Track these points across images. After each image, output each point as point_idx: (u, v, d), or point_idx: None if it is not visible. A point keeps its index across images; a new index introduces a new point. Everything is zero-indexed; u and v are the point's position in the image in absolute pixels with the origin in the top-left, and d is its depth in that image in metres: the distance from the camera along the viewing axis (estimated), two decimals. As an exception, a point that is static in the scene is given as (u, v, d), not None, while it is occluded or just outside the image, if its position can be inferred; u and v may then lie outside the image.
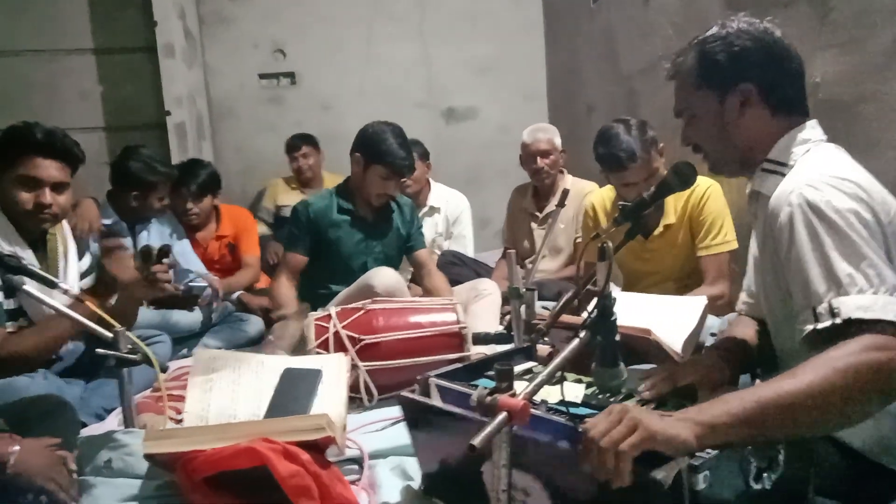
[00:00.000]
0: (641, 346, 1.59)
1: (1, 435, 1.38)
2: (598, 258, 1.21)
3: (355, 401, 1.96)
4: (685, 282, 2.30)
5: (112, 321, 1.59)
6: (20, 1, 4.34)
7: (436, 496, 1.40)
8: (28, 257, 1.85)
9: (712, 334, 1.85)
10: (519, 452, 1.00)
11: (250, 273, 3.31)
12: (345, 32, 4.67)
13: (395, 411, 1.90)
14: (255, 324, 2.99)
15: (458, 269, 3.06)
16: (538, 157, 3.12)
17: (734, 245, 2.29)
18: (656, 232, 2.34)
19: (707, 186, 2.26)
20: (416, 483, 1.46)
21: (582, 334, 1.17)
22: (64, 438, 1.53)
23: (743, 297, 1.48)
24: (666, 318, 1.69)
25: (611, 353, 1.23)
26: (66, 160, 1.94)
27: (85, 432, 1.75)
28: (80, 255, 2.16)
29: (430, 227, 3.47)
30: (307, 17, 4.64)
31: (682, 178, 1.41)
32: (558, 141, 3.19)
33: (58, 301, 1.64)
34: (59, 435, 1.53)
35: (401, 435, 1.71)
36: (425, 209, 3.49)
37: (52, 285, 1.62)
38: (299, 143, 4.16)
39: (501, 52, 4.77)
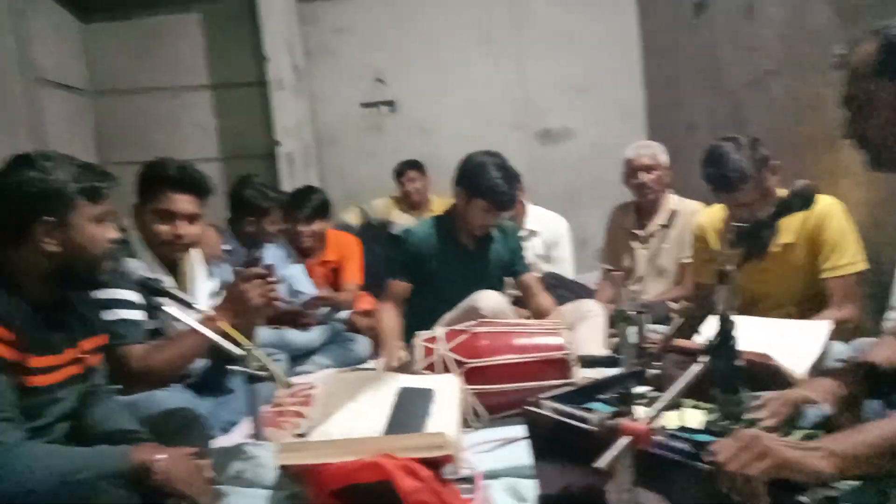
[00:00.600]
0: (762, 373, 1.55)
1: (147, 444, 1.50)
2: (718, 281, 1.20)
3: (463, 422, 2.00)
4: (807, 305, 2.18)
5: (242, 339, 1.70)
6: (145, 43, 4.75)
7: (552, 517, 1.40)
8: (166, 281, 2.02)
9: (838, 361, 1.77)
10: (648, 471, 1.01)
11: (347, 297, 3.43)
12: (441, 57, 4.79)
13: (504, 432, 1.93)
14: (363, 344, 3.10)
15: (559, 291, 3.05)
16: (641, 172, 3.07)
17: (862, 266, 2.16)
18: (771, 252, 2.25)
19: (827, 204, 2.15)
20: (531, 504, 1.48)
21: (702, 359, 1.16)
22: (199, 449, 1.64)
23: (892, 314, 1.41)
24: (787, 343, 1.64)
25: (732, 379, 1.22)
26: (197, 193, 2.11)
27: (212, 445, 1.87)
28: (209, 277, 2.32)
29: (529, 251, 3.48)
30: (406, 44, 4.80)
31: (804, 199, 1.38)
32: (664, 158, 3.12)
33: (192, 320, 1.78)
34: (194, 446, 1.65)
35: (512, 456, 1.74)
36: (524, 233, 3.51)
37: (189, 306, 1.76)
38: (406, 168, 4.31)
39: (597, 71, 4.75)
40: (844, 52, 1.29)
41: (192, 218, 2.11)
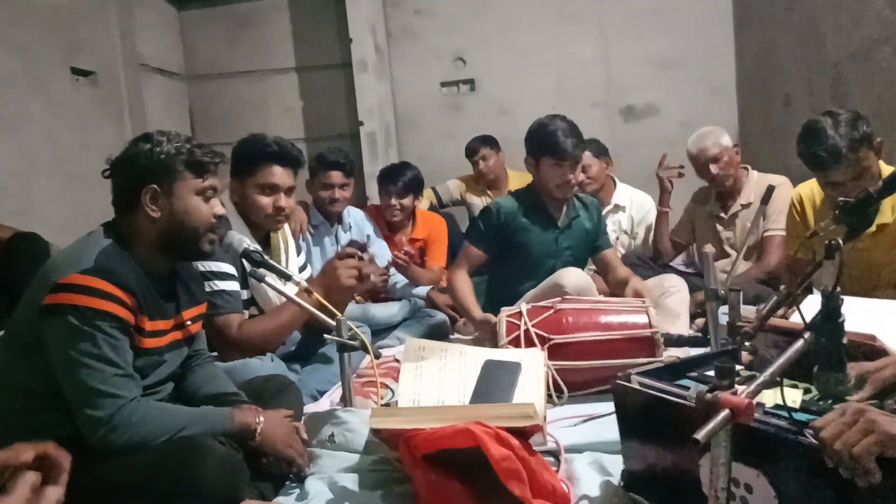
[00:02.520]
0: (864, 354, 1.47)
1: (248, 407, 1.59)
2: (826, 256, 1.15)
3: (546, 397, 2.00)
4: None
5: (334, 310, 1.77)
6: (235, 28, 4.93)
7: (638, 493, 1.40)
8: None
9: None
10: (747, 447, 0.98)
11: (431, 277, 3.46)
12: (523, 36, 4.74)
13: (586, 409, 1.93)
14: (442, 320, 3.15)
15: (642, 269, 3.00)
16: (711, 165, 3.00)
17: None
18: (868, 231, 2.13)
19: None
20: (616, 479, 1.47)
21: (807, 335, 1.12)
22: (293, 413, 1.73)
23: None
24: (891, 324, 1.55)
25: (837, 357, 1.17)
26: (293, 166, 2.19)
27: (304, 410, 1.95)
28: (298, 252, 2.41)
29: (614, 225, 3.43)
30: (487, 24, 4.77)
31: (916, 175, 1.29)
32: (726, 139, 3.02)
33: (289, 292, 1.86)
34: (289, 410, 1.73)
35: (595, 431, 1.74)
36: (609, 206, 3.46)
37: (288, 278, 1.84)
38: (478, 146, 4.23)
39: (685, 46, 4.57)
40: None
41: (289, 190, 2.19)
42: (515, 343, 2.12)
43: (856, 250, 2.13)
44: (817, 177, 2.21)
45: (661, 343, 2.08)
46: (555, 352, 2.08)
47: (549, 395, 2.01)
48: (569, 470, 1.57)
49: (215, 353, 2.00)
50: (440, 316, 3.20)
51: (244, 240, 1.89)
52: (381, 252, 3.21)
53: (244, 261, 1.91)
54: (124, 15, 4.16)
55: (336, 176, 3.09)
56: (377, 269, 2.47)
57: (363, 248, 2.18)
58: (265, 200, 2.15)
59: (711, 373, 1.30)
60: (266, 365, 2.06)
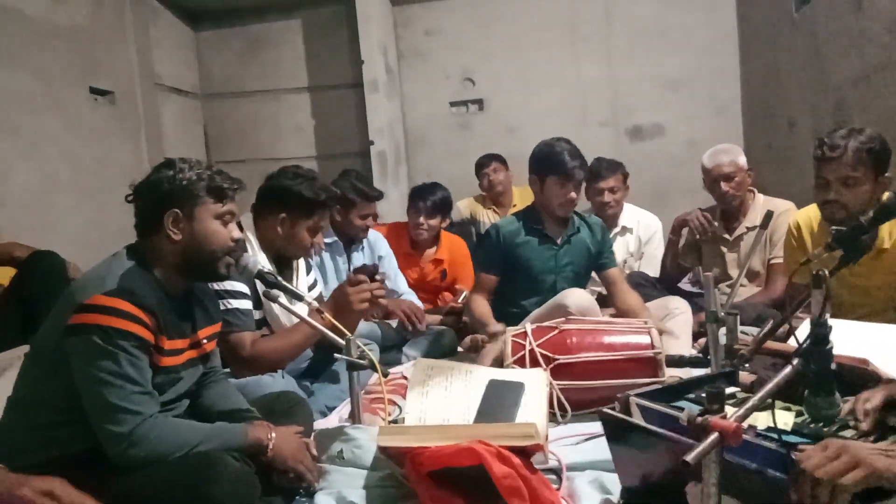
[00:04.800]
0: (857, 378, 1.52)
1: (260, 423, 1.64)
2: (814, 285, 1.20)
3: (549, 415, 2.05)
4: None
5: (344, 330, 1.83)
6: (249, 48, 5.05)
7: (637, 511, 1.44)
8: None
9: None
10: (727, 477, 1.03)
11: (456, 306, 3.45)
12: (530, 56, 4.83)
13: (589, 427, 1.97)
14: (449, 337, 3.19)
15: (647, 290, 3.04)
16: (722, 182, 3.01)
17: None
18: (866, 257, 2.17)
19: None
20: (615, 497, 1.51)
21: (795, 361, 1.17)
22: (304, 429, 1.78)
23: None
24: (885, 348, 1.60)
25: (826, 382, 1.22)
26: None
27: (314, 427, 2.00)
28: (308, 271, 2.48)
29: (622, 248, 3.48)
30: (495, 44, 4.87)
31: (906, 204, 1.34)
32: (742, 160, 3.04)
33: (301, 312, 1.92)
34: (300, 426, 1.78)
35: (597, 450, 1.77)
36: (617, 229, 3.51)
37: (300, 298, 1.90)
38: (489, 160, 4.34)
39: (691, 66, 4.66)
40: None
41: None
42: (521, 362, 2.17)
43: (853, 275, 2.17)
44: (816, 176, 2.21)
45: (663, 364, 2.12)
46: (559, 371, 2.13)
47: (553, 414, 2.06)
48: (570, 488, 1.61)
49: (228, 370, 2.06)
50: (448, 332, 3.25)
51: (259, 261, 1.95)
52: (394, 275, 3.26)
53: (258, 281, 1.97)
54: (141, 35, 4.28)
55: (374, 208, 3.17)
56: (386, 290, 2.54)
57: (374, 271, 2.22)
58: (309, 239, 2.28)
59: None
60: (277, 382, 2.11)
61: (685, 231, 3.14)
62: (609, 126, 4.84)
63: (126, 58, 4.13)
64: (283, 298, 1.88)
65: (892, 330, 1.78)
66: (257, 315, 2.22)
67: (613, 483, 1.54)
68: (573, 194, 2.70)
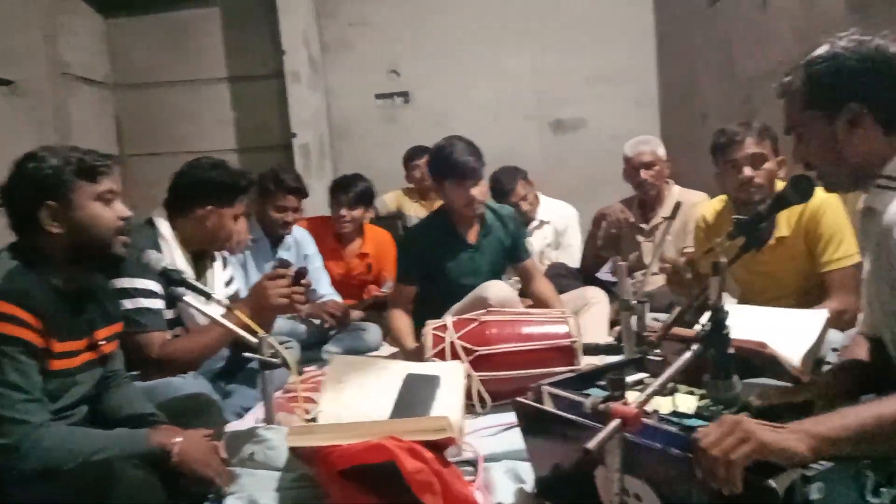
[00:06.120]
0: (758, 360, 1.58)
1: (165, 427, 1.58)
2: (712, 273, 1.24)
3: (468, 407, 2.05)
4: (807, 297, 2.21)
5: (257, 328, 1.77)
6: (165, 37, 4.84)
7: (549, 499, 1.46)
8: (188, 271, 2.09)
9: (834, 349, 1.79)
10: (631, 459, 1.05)
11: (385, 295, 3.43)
12: (456, 49, 4.82)
13: (507, 418, 1.97)
14: (374, 332, 3.16)
15: (566, 280, 3.09)
16: (642, 170, 3.11)
17: (858, 258, 2.19)
18: (770, 245, 2.28)
19: (823, 199, 2.16)
20: (529, 486, 1.53)
21: (694, 347, 1.21)
22: (213, 432, 1.72)
23: (859, 316, 1.45)
24: (784, 331, 1.67)
25: (724, 366, 1.25)
26: None
27: (226, 429, 1.93)
28: (224, 267, 2.40)
29: (540, 239, 3.53)
30: (421, 36, 4.84)
31: (801, 192, 1.40)
32: (662, 151, 3.16)
33: (211, 311, 1.85)
34: (209, 429, 1.72)
35: (513, 440, 1.78)
36: (535, 223, 3.55)
37: (208, 296, 1.83)
38: (418, 153, 4.26)
39: (612, 62, 4.74)
40: (786, 81, 1.34)
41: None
42: (441, 355, 2.16)
43: (758, 263, 2.27)
44: (724, 163, 2.31)
45: (580, 352, 2.16)
46: (480, 363, 2.14)
47: (473, 405, 2.06)
48: (486, 478, 1.62)
49: (135, 373, 1.97)
50: (372, 328, 3.22)
51: (162, 258, 1.87)
52: (317, 275, 3.20)
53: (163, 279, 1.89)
54: (47, 22, 4.03)
55: (293, 200, 3.08)
56: (310, 293, 2.48)
57: (303, 273, 2.16)
58: (236, 229, 2.25)
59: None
60: (188, 383, 2.03)
61: (605, 224, 3.21)
62: (534, 119, 4.89)
63: (30, 45, 3.88)
64: (191, 297, 1.81)
65: (791, 314, 1.86)
66: (170, 314, 2.13)
67: (528, 472, 1.56)
68: (473, 191, 2.62)
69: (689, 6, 4.10)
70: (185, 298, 1.80)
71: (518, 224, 2.91)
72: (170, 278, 1.80)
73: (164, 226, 2.17)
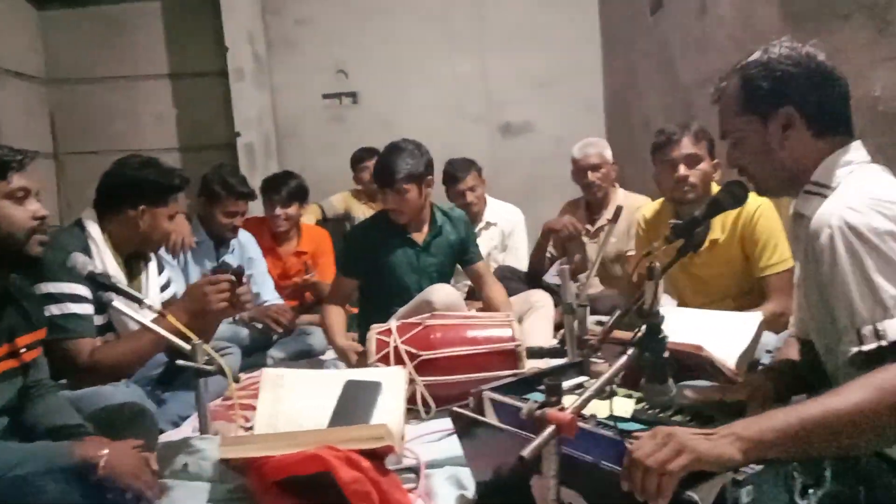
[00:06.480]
0: (694, 363, 1.61)
1: (91, 438, 1.51)
2: (647, 277, 1.25)
3: (412, 412, 2.03)
4: (745, 300, 2.27)
5: (191, 335, 1.71)
6: (102, 32, 4.67)
7: (489, 504, 1.45)
8: (119, 275, 2.01)
9: (768, 351, 1.84)
10: (565, 470, 1.05)
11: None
12: (404, 50, 4.80)
13: (450, 423, 1.97)
14: (319, 337, 3.10)
15: (513, 283, 3.10)
16: (589, 171, 3.16)
17: (792, 262, 2.26)
18: (705, 248, 2.33)
19: (758, 205, 2.23)
20: (470, 492, 1.52)
21: (630, 351, 1.21)
22: (145, 442, 1.65)
23: (792, 319, 1.49)
24: (719, 333, 1.70)
25: (659, 370, 1.26)
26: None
27: (162, 438, 1.86)
28: (160, 271, 2.31)
29: (487, 242, 3.53)
30: (368, 37, 4.79)
31: (735, 197, 1.42)
32: (609, 154, 3.21)
33: (143, 316, 1.78)
34: (141, 439, 1.65)
35: (456, 446, 1.76)
36: (482, 224, 3.56)
37: (138, 301, 1.76)
38: (365, 155, 4.21)
39: (558, 66, 4.80)
40: (721, 86, 1.37)
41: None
42: (385, 360, 2.13)
43: (695, 266, 2.32)
44: (661, 162, 2.37)
45: (524, 356, 2.16)
46: (424, 367, 2.12)
47: (417, 411, 2.04)
48: (428, 486, 1.60)
49: (63, 381, 1.88)
50: (317, 332, 3.16)
51: (89, 261, 1.79)
52: (261, 279, 3.14)
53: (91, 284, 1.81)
54: (-28, 12, 3.85)
55: (242, 205, 3.00)
56: (252, 296, 2.42)
57: (240, 272, 2.10)
58: (170, 228, 2.20)
59: (563, 384, 1.38)
60: (119, 391, 1.94)
61: (554, 238, 3.25)
62: (482, 122, 4.90)
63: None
64: (120, 302, 1.73)
65: (726, 316, 1.90)
66: (100, 320, 2.04)
67: (469, 478, 1.55)
68: (390, 202, 2.64)
69: (632, 14, 4.18)
70: (114, 304, 1.72)
71: (469, 227, 2.89)
72: (97, 282, 1.73)
73: (93, 227, 2.09)
